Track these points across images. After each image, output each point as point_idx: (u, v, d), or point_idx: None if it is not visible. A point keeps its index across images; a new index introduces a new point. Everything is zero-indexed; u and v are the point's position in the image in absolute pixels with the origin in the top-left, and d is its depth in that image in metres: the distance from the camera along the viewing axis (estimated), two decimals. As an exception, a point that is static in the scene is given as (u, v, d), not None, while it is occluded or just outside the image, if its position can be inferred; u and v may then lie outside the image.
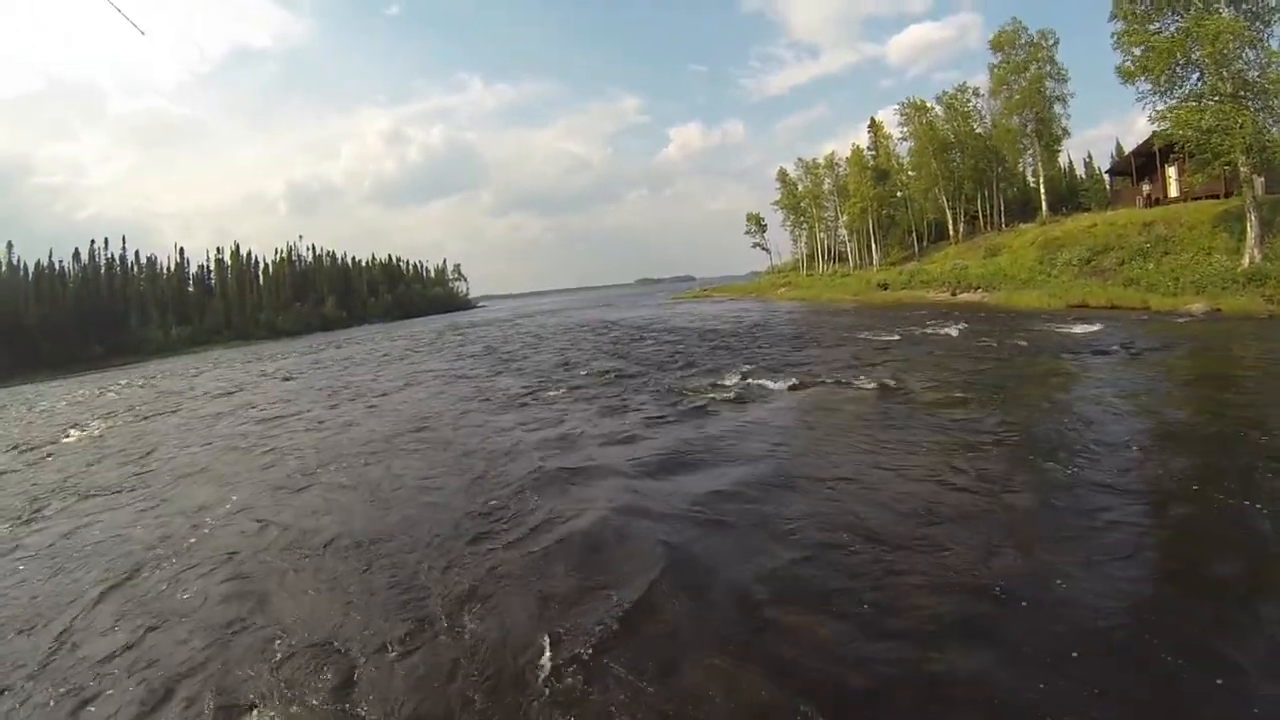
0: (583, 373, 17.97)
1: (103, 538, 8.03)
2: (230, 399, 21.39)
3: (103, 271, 78.69)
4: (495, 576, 5.65)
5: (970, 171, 45.94)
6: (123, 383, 35.28)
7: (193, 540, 7.50)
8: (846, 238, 59.91)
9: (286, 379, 26.37)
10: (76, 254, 77.40)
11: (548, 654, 4.35)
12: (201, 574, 6.49)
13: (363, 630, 4.98)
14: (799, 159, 64.33)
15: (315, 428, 14.08)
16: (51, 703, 4.54)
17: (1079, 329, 17.95)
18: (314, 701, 4.22)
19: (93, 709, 4.42)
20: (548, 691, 4.02)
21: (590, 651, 4.34)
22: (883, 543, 5.59)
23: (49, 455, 14.50)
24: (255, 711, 4.18)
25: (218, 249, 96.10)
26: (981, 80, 47.95)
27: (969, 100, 47.04)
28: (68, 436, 16.76)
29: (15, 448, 15.89)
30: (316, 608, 5.49)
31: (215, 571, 6.52)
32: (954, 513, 6.14)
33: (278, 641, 4.95)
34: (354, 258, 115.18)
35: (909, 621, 4.42)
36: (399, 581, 5.78)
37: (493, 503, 7.60)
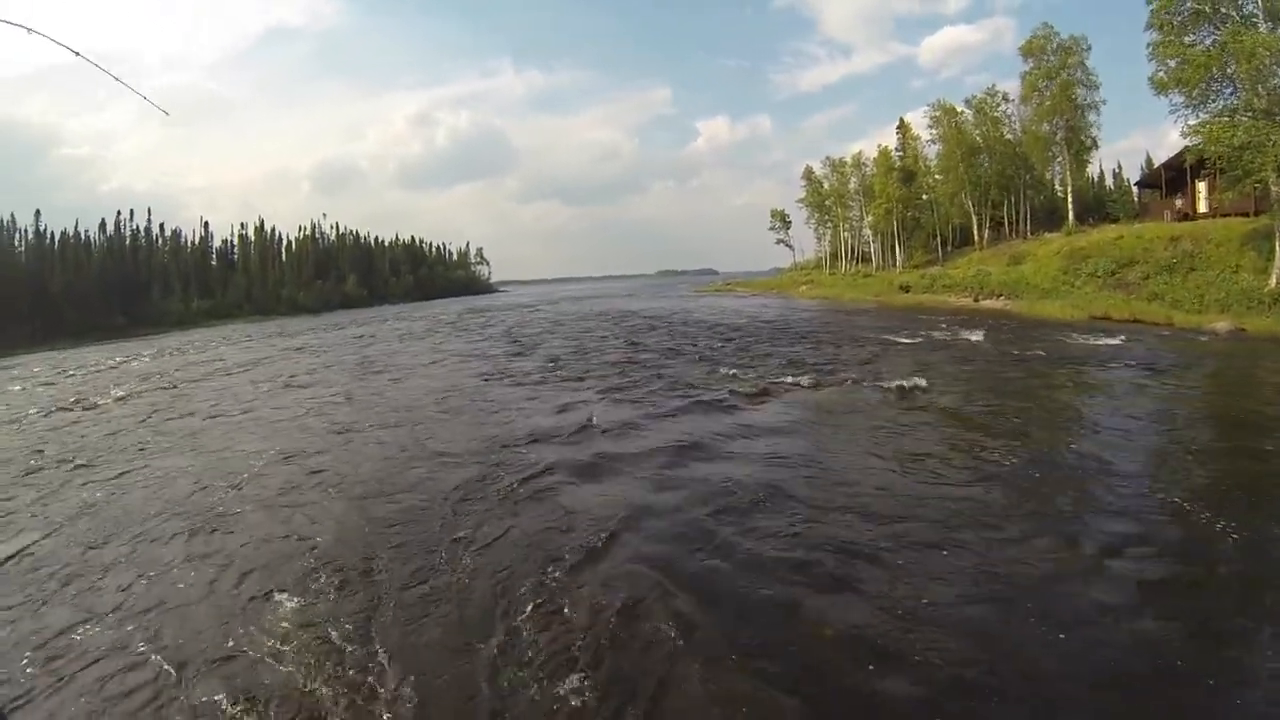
0: (600, 361, 18.30)
1: (163, 476, 9.18)
2: (260, 369, 21.86)
3: (127, 243, 79.25)
4: (496, 527, 6.59)
5: (997, 177, 45.59)
6: (149, 352, 35.83)
7: (244, 476, 8.86)
8: (870, 238, 59.72)
9: (311, 353, 26.78)
10: (103, 225, 78.16)
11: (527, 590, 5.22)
12: (251, 502, 7.84)
13: (385, 551, 6.17)
14: (826, 157, 64.07)
15: (344, 398, 14.59)
16: (142, 579, 5.94)
17: (1100, 341, 18.01)
18: (336, 595, 5.40)
19: (176, 586, 5.78)
20: (526, 612, 4.88)
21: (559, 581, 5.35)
22: (877, 560, 5.54)
23: (99, 413, 15.07)
24: (291, 597, 5.33)
25: (242, 224, 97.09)
26: (1012, 85, 47.54)
27: (999, 105, 46.69)
28: (110, 398, 17.18)
29: (69, 406, 16.30)
30: (347, 528, 6.85)
31: (264, 500, 7.87)
32: (957, 527, 6.12)
33: (315, 551, 6.30)
34: (377, 237, 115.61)
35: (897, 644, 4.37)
36: (417, 521, 6.89)
37: (501, 473, 8.20)
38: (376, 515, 7.08)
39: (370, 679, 4.20)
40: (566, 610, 4.89)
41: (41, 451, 11.29)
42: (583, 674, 4.11)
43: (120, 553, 6.56)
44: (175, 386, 18.77)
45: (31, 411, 16.01)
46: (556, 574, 5.48)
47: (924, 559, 5.50)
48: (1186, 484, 7.17)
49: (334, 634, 4.72)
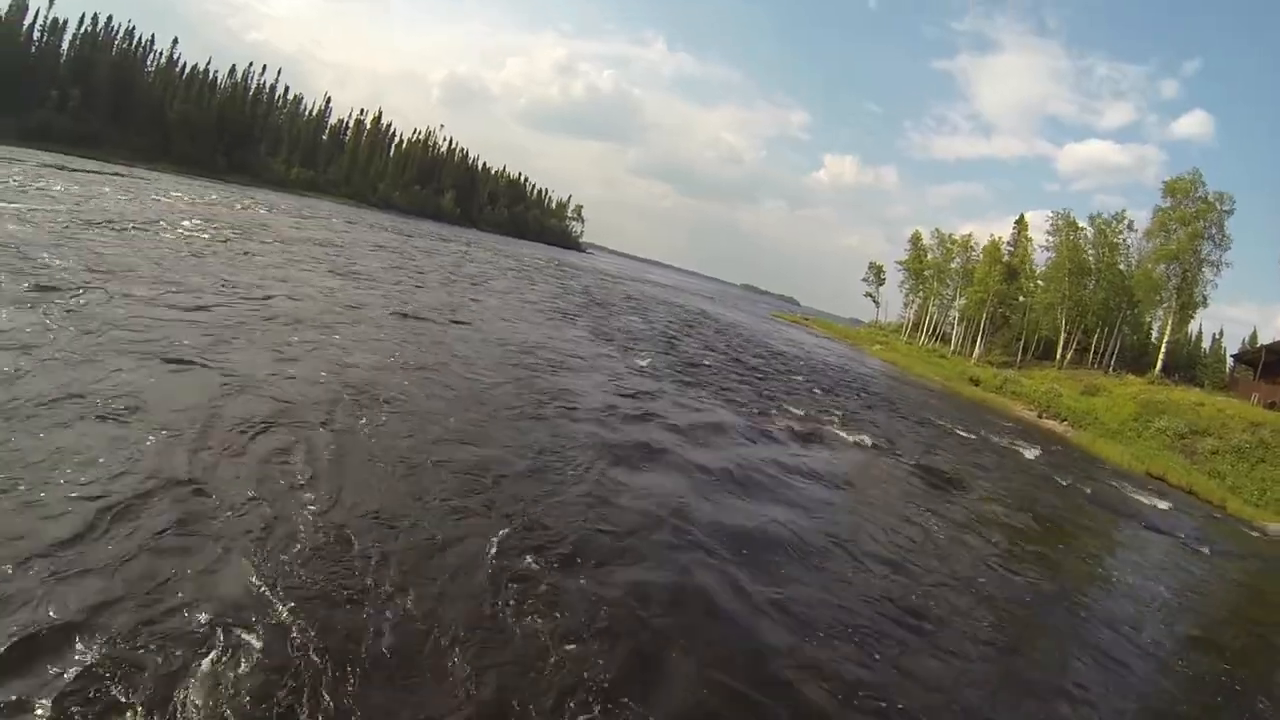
0: (675, 359, 19.10)
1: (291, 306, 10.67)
2: (380, 254, 23.25)
3: (250, 94, 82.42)
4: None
5: (1098, 304, 45.17)
6: (266, 204, 37.95)
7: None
8: (955, 320, 59.54)
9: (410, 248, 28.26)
10: (232, 70, 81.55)
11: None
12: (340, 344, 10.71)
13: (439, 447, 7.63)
14: (936, 229, 63.96)
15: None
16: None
17: (1149, 500, 18.14)
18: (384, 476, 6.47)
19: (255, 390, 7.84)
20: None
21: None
22: (877, 646, 5.80)
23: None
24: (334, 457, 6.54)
25: (362, 110, 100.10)
26: (1140, 216, 46.94)
27: (1121, 232, 46.13)
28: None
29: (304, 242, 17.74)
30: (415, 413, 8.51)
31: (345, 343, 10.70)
32: (961, 642, 6.31)
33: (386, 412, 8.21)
34: (485, 163, 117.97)
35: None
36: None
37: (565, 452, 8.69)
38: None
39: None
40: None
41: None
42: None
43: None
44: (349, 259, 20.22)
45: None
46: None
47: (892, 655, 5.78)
48: (1193, 675, 7.35)
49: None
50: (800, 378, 23.55)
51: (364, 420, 7.68)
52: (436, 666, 4.12)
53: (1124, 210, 46.55)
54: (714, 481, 9.06)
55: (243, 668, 3.65)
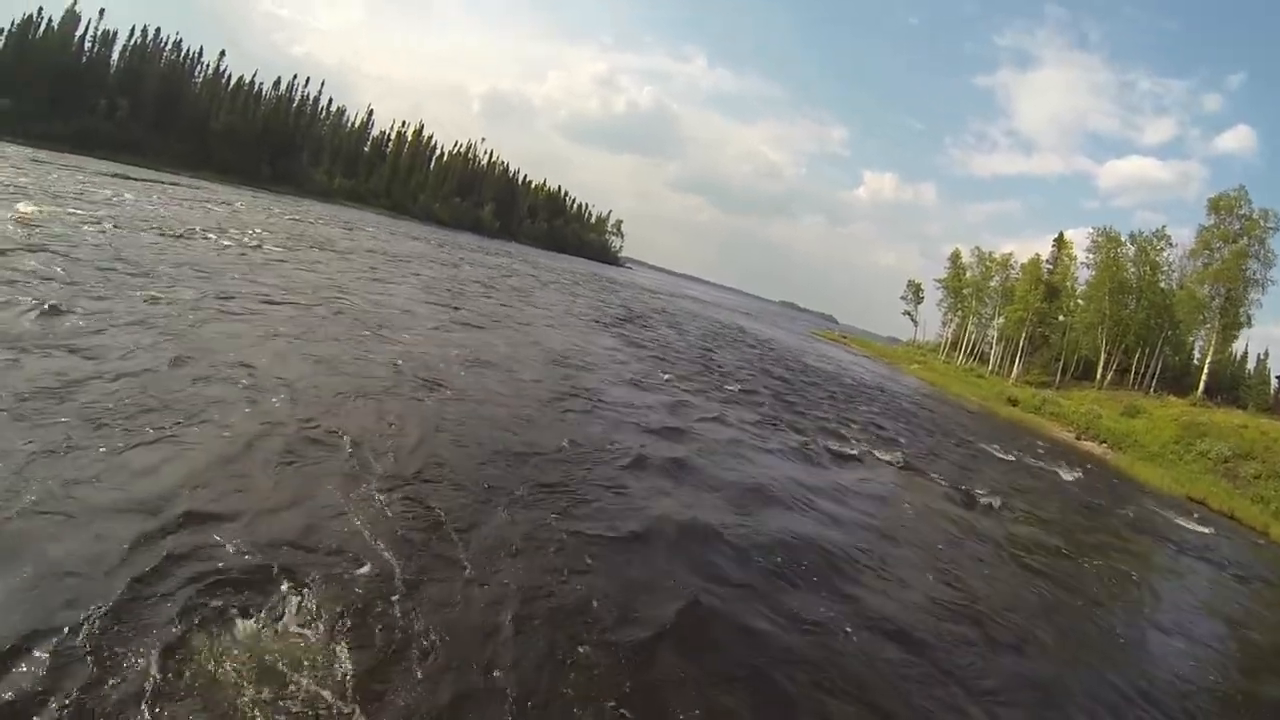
0: (710, 374, 19.57)
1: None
2: (430, 265, 24.23)
3: (294, 105, 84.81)
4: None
5: (1139, 323, 44.70)
6: (314, 214, 39.40)
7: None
8: (994, 340, 59.25)
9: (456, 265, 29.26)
10: (277, 82, 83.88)
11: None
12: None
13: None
14: (976, 247, 63.64)
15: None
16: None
17: (1189, 525, 18.14)
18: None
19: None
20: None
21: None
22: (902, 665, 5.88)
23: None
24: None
25: (403, 122, 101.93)
26: (1183, 234, 46.43)
27: (1163, 250, 45.75)
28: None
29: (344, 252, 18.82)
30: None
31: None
32: (991, 674, 6.27)
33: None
34: (525, 176, 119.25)
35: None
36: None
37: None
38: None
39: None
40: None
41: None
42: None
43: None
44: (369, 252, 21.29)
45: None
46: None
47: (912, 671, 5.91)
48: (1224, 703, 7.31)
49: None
50: (837, 395, 23.98)
51: (432, 399, 9.50)
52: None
53: (1163, 227, 46.06)
54: (746, 495, 9.26)
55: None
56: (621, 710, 4.31)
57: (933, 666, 6.04)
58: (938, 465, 15.78)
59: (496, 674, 4.28)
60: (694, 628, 5.50)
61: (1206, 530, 18.14)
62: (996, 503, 13.40)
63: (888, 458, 14.80)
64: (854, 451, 14.45)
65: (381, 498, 6.03)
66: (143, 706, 3.31)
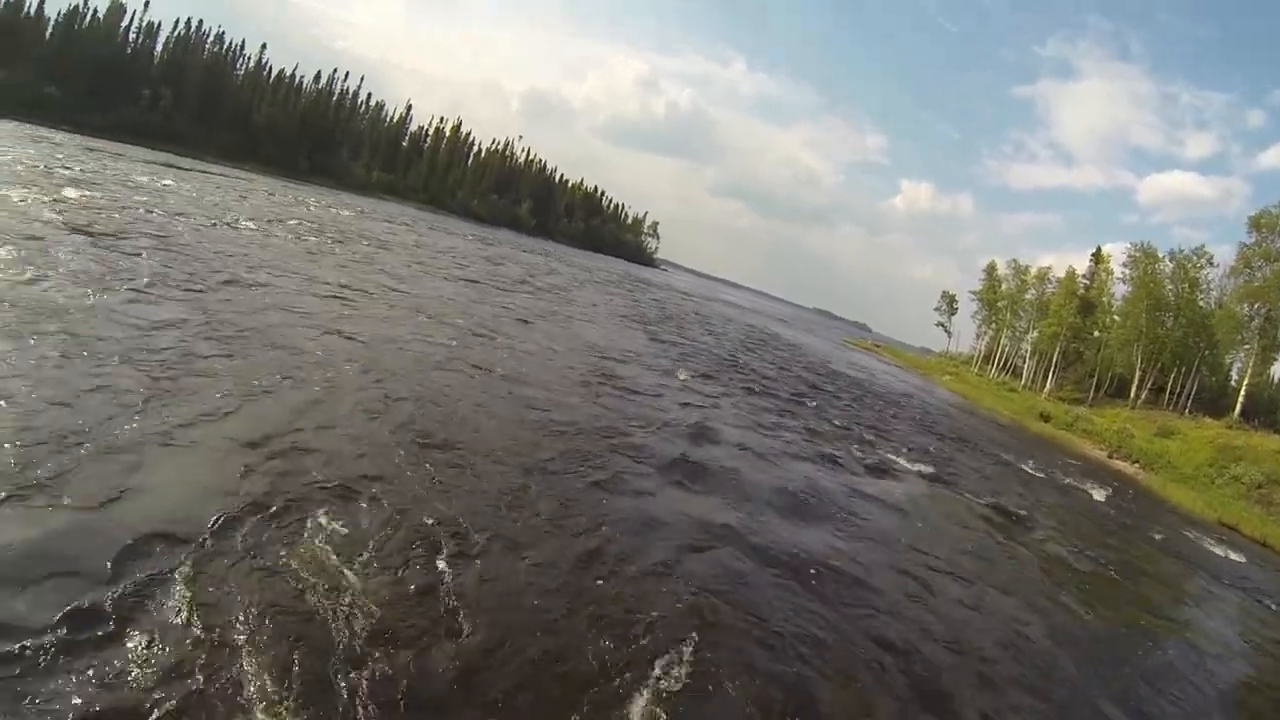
0: (742, 377, 19.98)
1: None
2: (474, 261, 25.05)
3: (334, 99, 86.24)
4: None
5: (1175, 342, 44.19)
6: (359, 206, 40.52)
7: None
8: (1028, 354, 58.95)
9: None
10: (318, 76, 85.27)
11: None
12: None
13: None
14: (1012, 260, 63.34)
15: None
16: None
17: (1221, 551, 18.10)
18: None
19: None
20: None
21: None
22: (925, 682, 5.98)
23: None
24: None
25: (441, 118, 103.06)
26: (1222, 252, 45.96)
27: (1202, 267, 45.15)
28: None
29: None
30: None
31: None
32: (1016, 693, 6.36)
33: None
34: (563, 175, 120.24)
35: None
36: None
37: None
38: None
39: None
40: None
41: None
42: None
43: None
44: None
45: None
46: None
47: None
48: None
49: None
50: (869, 404, 24.28)
51: (482, 377, 11.38)
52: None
53: (1203, 245, 45.48)
54: (771, 503, 9.43)
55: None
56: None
57: (951, 691, 6.06)
58: (968, 479, 16.08)
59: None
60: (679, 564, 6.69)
61: (1238, 558, 18.06)
62: (1025, 519, 13.58)
63: (919, 469, 15.09)
64: (886, 463, 14.72)
65: (439, 450, 7.64)
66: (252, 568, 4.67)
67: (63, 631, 3.60)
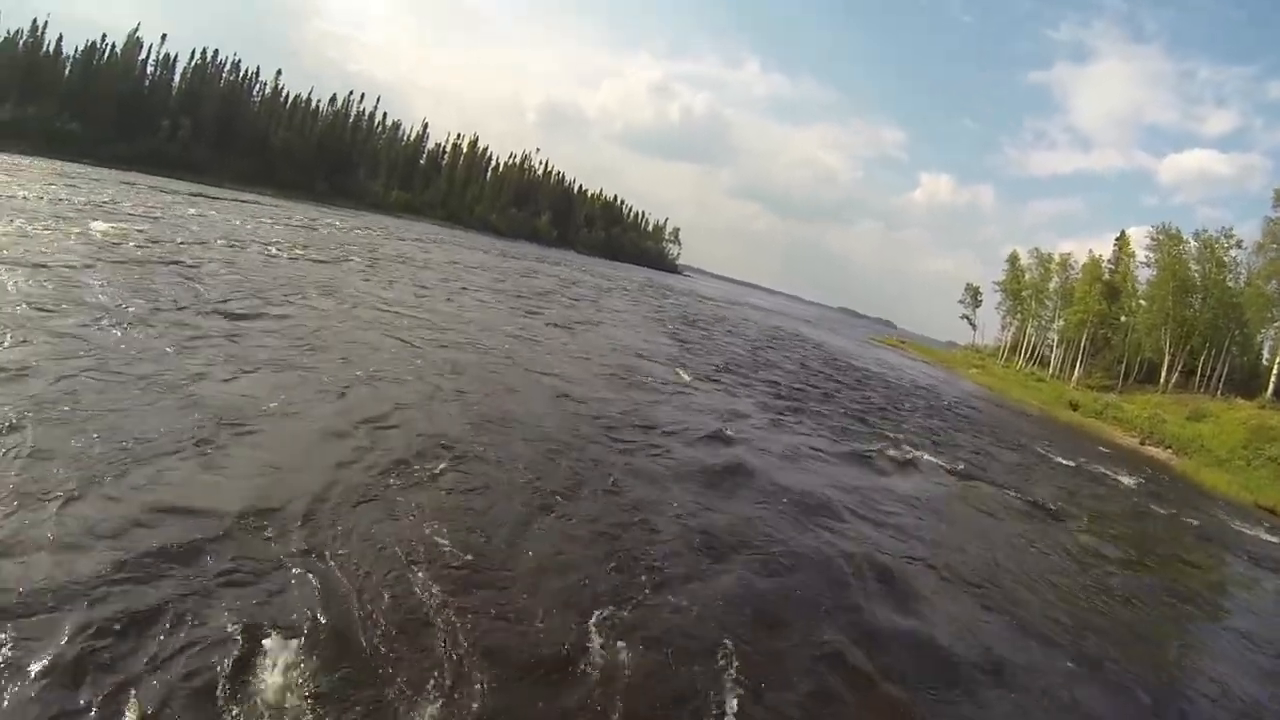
0: (768, 377, 20.15)
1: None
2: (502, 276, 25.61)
3: (350, 121, 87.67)
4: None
5: (1204, 323, 43.69)
6: (384, 226, 41.29)
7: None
8: (1055, 343, 58.56)
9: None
10: (333, 98, 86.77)
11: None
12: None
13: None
14: (1035, 248, 62.81)
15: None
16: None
17: (1261, 535, 17.91)
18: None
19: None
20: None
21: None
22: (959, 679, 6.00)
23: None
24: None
25: (458, 134, 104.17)
26: (1245, 229, 45.35)
27: (1229, 248, 44.62)
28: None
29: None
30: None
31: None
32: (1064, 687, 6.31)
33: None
34: (581, 186, 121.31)
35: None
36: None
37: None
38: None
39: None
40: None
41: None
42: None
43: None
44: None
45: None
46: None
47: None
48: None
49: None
50: (896, 399, 24.42)
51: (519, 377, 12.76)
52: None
53: (1231, 228, 44.84)
54: (804, 500, 9.53)
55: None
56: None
57: (1000, 684, 6.14)
58: (998, 471, 16.17)
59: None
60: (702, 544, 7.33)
61: (1278, 540, 17.94)
62: (1058, 509, 13.58)
63: (948, 463, 15.17)
64: (914, 458, 14.76)
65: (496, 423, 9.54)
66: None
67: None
